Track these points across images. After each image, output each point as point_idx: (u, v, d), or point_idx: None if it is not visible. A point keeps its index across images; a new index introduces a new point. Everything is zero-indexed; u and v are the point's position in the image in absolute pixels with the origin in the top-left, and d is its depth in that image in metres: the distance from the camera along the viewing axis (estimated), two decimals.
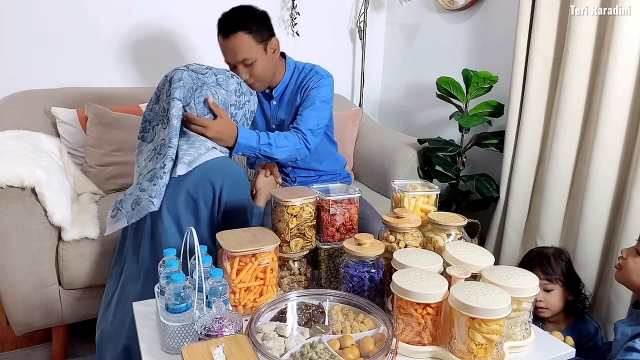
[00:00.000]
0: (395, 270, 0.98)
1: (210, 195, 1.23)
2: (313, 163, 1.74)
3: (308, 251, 1.17)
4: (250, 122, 1.44)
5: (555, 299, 1.39)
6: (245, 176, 1.32)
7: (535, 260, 1.44)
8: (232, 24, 1.46)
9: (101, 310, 1.29)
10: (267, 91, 1.66)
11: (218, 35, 1.50)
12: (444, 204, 1.97)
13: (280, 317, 0.99)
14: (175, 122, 1.26)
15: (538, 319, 1.42)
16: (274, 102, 1.68)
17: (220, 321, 0.85)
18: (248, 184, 1.35)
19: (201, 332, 0.85)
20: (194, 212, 1.23)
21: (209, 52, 2.27)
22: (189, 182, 1.22)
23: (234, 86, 1.35)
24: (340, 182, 1.29)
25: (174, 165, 1.23)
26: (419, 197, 1.24)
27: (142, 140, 1.37)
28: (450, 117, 1.99)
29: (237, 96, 1.36)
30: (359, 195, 1.19)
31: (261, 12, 1.53)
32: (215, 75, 1.33)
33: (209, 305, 0.90)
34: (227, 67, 1.53)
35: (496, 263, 1.02)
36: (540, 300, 1.38)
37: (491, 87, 1.88)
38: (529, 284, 0.93)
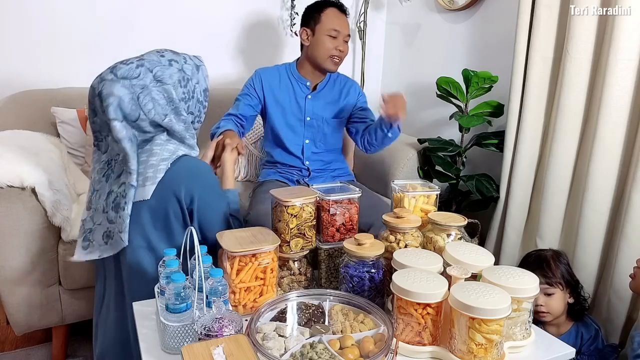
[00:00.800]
0: (395, 270, 0.98)
1: (177, 207, 1.15)
2: (330, 155, 1.91)
3: (308, 251, 1.17)
4: (206, 105, 1.26)
5: (556, 302, 1.37)
6: (209, 172, 1.23)
7: (535, 264, 1.41)
8: (344, 7, 1.79)
9: (94, 315, 1.27)
10: (308, 84, 1.82)
11: (327, 8, 1.74)
12: (444, 204, 1.97)
13: (280, 317, 0.99)
14: (128, 145, 1.12)
15: (539, 323, 1.40)
16: (309, 97, 1.82)
17: (220, 321, 0.85)
18: (215, 180, 1.25)
19: (201, 332, 0.84)
20: (164, 227, 1.15)
21: (208, 52, 2.27)
22: (150, 199, 1.12)
23: (177, 75, 1.17)
24: (341, 183, 1.29)
25: (140, 187, 1.12)
26: (419, 197, 1.24)
27: (98, 149, 1.24)
28: (450, 117, 1.99)
29: (183, 86, 1.18)
30: (359, 195, 1.19)
31: None
32: (151, 71, 1.14)
33: (209, 305, 0.90)
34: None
35: (496, 263, 1.02)
36: (542, 305, 1.36)
37: (491, 87, 1.88)
38: (529, 284, 0.94)
